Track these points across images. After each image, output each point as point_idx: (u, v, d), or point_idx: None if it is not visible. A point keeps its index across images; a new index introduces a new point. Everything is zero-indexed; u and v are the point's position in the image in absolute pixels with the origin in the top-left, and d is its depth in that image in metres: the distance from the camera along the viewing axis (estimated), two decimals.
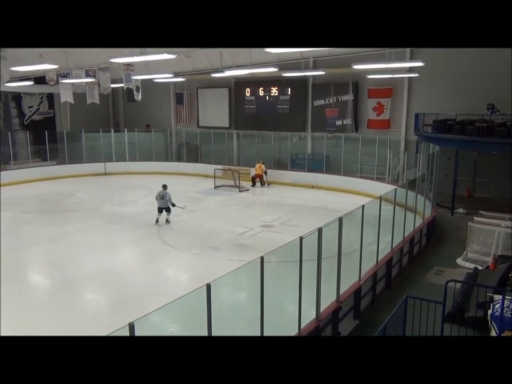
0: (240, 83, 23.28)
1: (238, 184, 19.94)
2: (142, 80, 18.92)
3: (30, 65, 12.98)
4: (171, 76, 17.59)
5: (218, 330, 4.96)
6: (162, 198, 13.94)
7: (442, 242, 13.19)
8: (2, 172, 21.60)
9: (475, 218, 11.83)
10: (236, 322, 7.08)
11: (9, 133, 22.95)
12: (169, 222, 14.07)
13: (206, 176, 21.73)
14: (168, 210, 14.00)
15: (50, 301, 9.01)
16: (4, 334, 7.71)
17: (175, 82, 24.60)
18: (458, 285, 7.41)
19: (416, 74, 17.22)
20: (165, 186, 14.34)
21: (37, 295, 9.39)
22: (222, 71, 15.90)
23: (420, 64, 14.29)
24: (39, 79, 19.86)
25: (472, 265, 10.41)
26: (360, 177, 19.37)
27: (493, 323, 6.08)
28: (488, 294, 7.02)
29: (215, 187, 20.01)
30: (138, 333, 3.90)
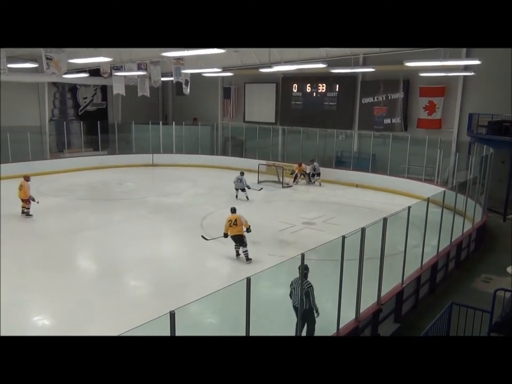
0: (287, 79, 23.20)
1: (281, 180, 19.93)
2: (191, 74, 19.23)
3: (86, 58, 13.49)
4: (220, 70, 17.78)
5: (256, 324, 5.00)
6: (240, 181, 16.80)
7: (492, 249, 12.64)
8: (57, 160, 22.74)
9: None
10: (274, 317, 7.11)
11: (64, 122, 24.04)
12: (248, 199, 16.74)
13: (250, 171, 21.79)
14: (243, 190, 16.86)
15: (95, 286, 9.37)
16: (47, 314, 8.14)
17: (223, 77, 24.84)
18: (508, 294, 7.09)
19: (472, 73, 16.50)
20: (242, 173, 17.15)
21: (82, 279, 9.79)
22: (270, 67, 15.88)
23: (476, 62, 13.66)
24: (94, 71, 20.61)
25: None
26: (407, 177, 18.83)
27: None
28: None
29: (259, 182, 20.09)
30: (178, 321, 4.00)
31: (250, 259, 10.49)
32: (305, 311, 6.27)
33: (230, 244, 10.77)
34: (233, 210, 11.02)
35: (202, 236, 11.24)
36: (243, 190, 16.82)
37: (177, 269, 10.27)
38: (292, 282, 6.48)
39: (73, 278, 9.68)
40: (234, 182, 16.96)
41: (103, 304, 8.37)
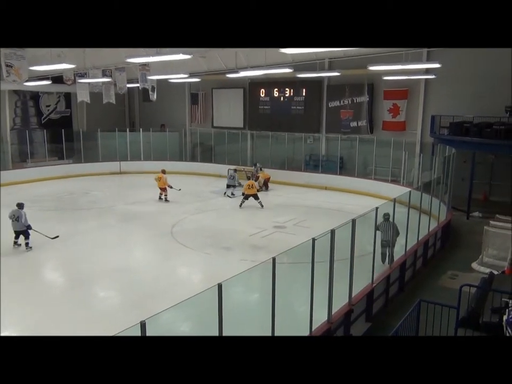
0: (255, 84, 23.31)
1: None
2: (158, 80, 19.07)
3: (48, 64, 13.16)
4: (186, 76, 17.66)
5: (229, 330, 4.97)
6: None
7: (457, 246, 13.03)
8: (20, 170, 22.04)
9: (491, 222, 11.65)
10: (247, 322, 7.09)
11: (27, 131, 23.33)
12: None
13: (220, 176, 21.78)
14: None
15: (63, 298, 9.11)
16: (15, 328, 7.85)
17: (190, 83, 24.71)
18: (473, 290, 7.31)
19: (433, 76, 17.02)
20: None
21: (50, 291, 9.50)
22: (237, 72, 15.92)
23: (436, 65, 14.12)
24: (57, 78, 20.11)
25: (487, 270, 10.25)
26: (375, 179, 19.20)
27: (508, 329, 5.98)
28: (503, 299, 6.91)
29: (228, 187, 20.02)
30: (149, 331, 3.93)
31: (263, 206, 15.85)
32: (393, 242, 9.58)
33: (201, 249, 10.70)
34: (250, 178, 17.61)
35: (226, 194, 17.84)
36: (234, 186, 18.28)
37: (148, 278, 10.11)
38: (379, 225, 9.19)
39: (40, 290, 9.38)
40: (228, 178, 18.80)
41: (71, 316, 8.13)
